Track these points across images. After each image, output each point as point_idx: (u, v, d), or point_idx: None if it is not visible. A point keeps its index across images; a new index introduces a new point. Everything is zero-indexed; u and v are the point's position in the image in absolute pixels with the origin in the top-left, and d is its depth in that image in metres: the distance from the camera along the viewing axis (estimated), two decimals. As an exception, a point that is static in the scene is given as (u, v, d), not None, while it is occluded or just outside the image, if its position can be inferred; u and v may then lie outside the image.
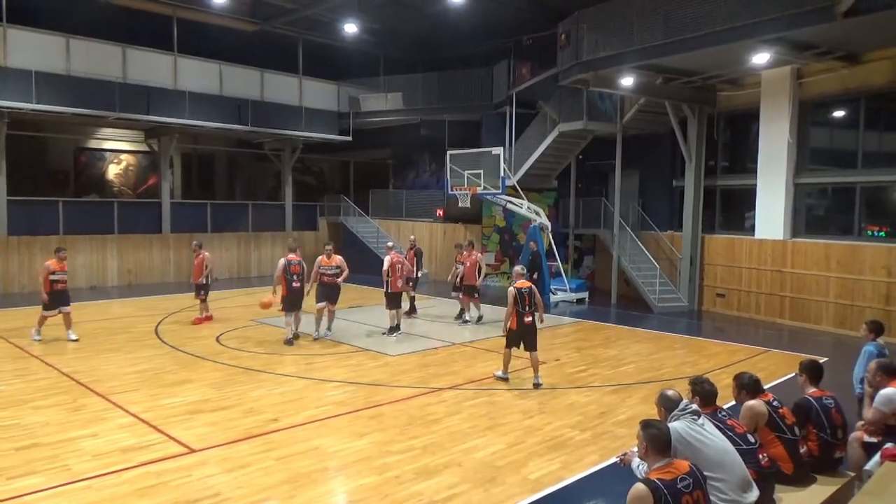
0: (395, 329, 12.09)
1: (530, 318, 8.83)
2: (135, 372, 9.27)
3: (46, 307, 11.10)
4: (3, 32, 15.92)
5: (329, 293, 11.52)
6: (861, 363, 6.69)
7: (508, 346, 8.96)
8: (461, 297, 13.72)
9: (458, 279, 13.66)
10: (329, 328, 11.83)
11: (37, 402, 7.79)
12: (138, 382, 8.72)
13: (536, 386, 8.76)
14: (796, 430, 4.97)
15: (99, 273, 18.62)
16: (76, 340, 11.15)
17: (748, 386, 5.10)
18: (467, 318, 13.60)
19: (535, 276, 16.47)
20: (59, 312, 11.16)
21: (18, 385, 8.52)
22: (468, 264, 13.44)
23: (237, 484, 5.60)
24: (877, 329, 6.97)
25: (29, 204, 17.77)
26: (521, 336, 8.89)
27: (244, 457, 6.20)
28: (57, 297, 11.10)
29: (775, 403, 5.00)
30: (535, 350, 8.97)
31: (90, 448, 6.35)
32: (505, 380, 9.03)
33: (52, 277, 10.99)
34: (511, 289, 8.88)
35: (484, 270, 13.81)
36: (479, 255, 14.01)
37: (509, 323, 8.88)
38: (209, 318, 13.25)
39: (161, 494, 5.38)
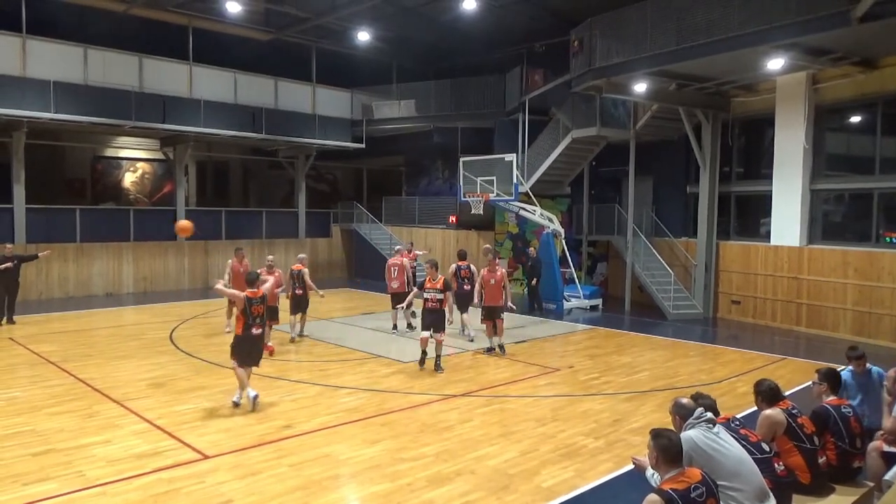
0: (395, 327, 13.15)
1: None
2: (149, 378, 9.32)
3: (240, 359, 7.78)
4: (22, 43, 16.17)
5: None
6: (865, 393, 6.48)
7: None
8: (484, 323, 11.43)
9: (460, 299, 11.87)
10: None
11: (52, 408, 7.85)
12: (152, 389, 8.77)
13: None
14: (815, 439, 4.90)
15: (114, 280, 18.80)
16: (236, 403, 7.86)
17: (764, 393, 5.06)
18: (492, 344, 11.35)
19: (534, 282, 16.42)
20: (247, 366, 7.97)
21: (34, 391, 8.59)
22: (493, 281, 11.15)
23: (249, 490, 5.61)
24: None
25: (47, 212, 17.96)
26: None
27: (256, 463, 6.21)
28: (250, 346, 7.85)
29: (794, 412, 4.94)
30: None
31: (104, 454, 6.38)
32: None
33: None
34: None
35: (508, 288, 11.47)
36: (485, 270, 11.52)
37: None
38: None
39: (174, 501, 5.40)
